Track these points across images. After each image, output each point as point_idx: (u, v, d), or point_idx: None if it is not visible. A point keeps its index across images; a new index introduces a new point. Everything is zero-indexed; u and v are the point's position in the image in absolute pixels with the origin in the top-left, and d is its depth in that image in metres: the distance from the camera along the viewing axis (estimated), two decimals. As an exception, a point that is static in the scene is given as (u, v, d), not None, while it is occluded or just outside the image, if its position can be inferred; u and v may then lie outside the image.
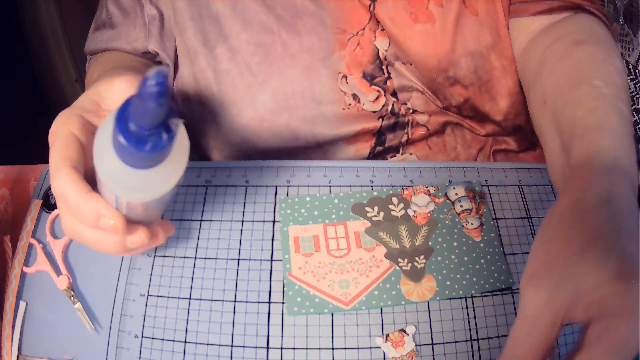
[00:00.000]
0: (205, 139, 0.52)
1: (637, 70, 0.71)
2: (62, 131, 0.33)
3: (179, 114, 0.26)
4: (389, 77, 0.49)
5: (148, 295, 0.40)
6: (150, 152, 0.25)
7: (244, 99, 0.47)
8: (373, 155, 0.52)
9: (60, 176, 0.31)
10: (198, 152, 0.55)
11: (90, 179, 0.32)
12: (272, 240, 0.42)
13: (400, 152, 0.53)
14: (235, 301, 0.40)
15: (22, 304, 0.40)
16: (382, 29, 0.48)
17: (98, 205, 0.30)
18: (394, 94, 0.50)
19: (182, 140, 0.28)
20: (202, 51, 0.48)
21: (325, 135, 0.49)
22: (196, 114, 0.50)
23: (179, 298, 0.40)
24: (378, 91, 0.49)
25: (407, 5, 0.47)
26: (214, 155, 0.53)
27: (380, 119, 0.50)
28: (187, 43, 0.49)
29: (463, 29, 0.47)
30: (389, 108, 0.50)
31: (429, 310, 0.39)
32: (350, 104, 0.49)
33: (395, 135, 0.51)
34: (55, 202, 0.44)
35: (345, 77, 0.48)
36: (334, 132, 0.49)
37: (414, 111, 0.51)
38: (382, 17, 0.47)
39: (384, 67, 0.49)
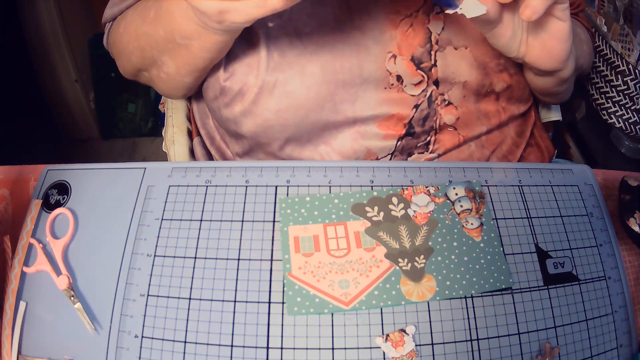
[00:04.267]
0: (245, 102, 0.51)
1: (637, 71, 0.71)
2: None
3: None
4: (435, 65, 0.50)
5: (148, 295, 0.40)
6: None
7: (293, 67, 0.48)
8: (400, 150, 0.52)
9: None
10: (231, 122, 0.54)
11: None
12: (272, 240, 0.42)
13: (429, 151, 0.53)
14: (235, 301, 0.40)
15: (22, 304, 0.40)
16: (437, 13, 0.49)
17: None
18: (436, 82, 0.51)
19: None
20: None
21: (363, 112, 0.50)
22: (241, 75, 0.50)
23: (179, 298, 0.40)
24: (422, 76, 0.50)
25: None
26: (246, 124, 0.52)
27: (415, 109, 0.51)
28: None
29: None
30: (427, 94, 0.51)
31: (429, 310, 0.39)
32: (392, 84, 0.50)
33: (423, 130, 0.52)
34: (55, 202, 0.44)
35: (394, 57, 0.49)
36: (370, 111, 0.50)
37: (449, 103, 0.52)
38: None
39: (432, 52, 0.50)
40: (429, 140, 0.52)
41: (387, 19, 0.48)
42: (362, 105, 0.50)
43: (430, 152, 0.53)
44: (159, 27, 0.45)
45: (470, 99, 0.52)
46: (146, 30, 0.47)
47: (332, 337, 0.38)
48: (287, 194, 0.45)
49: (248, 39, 0.48)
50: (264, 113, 0.50)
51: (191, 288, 0.40)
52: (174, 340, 0.38)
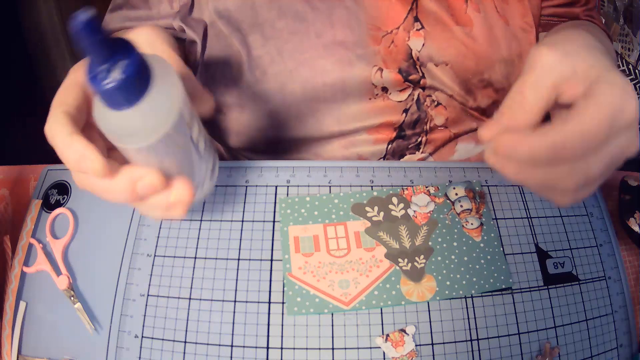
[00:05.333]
0: (227, 121, 0.52)
1: (637, 71, 0.71)
2: (69, 77, 0.33)
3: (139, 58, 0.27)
4: (423, 77, 0.49)
5: (148, 295, 0.40)
6: (114, 86, 0.25)
7: (274, 86, 0.47)
8: (392, 152, 0.52)
9: (50, 119, 0.31)
10: (216, 136, 0.55)
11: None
12: (272, 240, 0.42)
13: (420, 151, 0.53)
14: (235, 301, 0.40)
15: (22, 304, 0.40)
16: (417, 29, 0.49)
17: (80, 146, 0.29)
18: (422, 87, 0.50)
19: (165, 84, 0.28)
20: (235, 36, 0.48)
21: (350, 125, 0.50)
22: (221, 94, 0.50)
23: (179, 298, 0.40)
24: (410, 86, 0.50)
25: (447, 8, 0.49)
26: (231, 140, 0.52)
27: (404, 113, 0.50)
28: (218, 28, 0.49)
29: (498, 36, 0.49)
30: (415, 98, 0.50)
31: (429, 310, 0.39)
32: (377, 94, 0.49)
33: (414, 132, 0.52)
34: (55, 202, 0.44)
35: (381, 70, 0.48)
36: (359, 124, 0.50)
37: (438, 104, 0.51)
38: (425, 16, 0.48)
39: (417, 67, 0.49)
40: (420, 141, 0.52)
41: (369, 35, 0.48)
42: (347, 118, 0.49)
43: (422, 152, 0.53)
44: None
45: (463, 103, 0.52)
46: None
47: (332, 337, 0.38)
48: (287, 194, 0.45)
49: (228, 58, 0.48)
50: (245, 130, 0.50)
51: (191, 288, 0.40)
52: (174, 340, 0.38)
